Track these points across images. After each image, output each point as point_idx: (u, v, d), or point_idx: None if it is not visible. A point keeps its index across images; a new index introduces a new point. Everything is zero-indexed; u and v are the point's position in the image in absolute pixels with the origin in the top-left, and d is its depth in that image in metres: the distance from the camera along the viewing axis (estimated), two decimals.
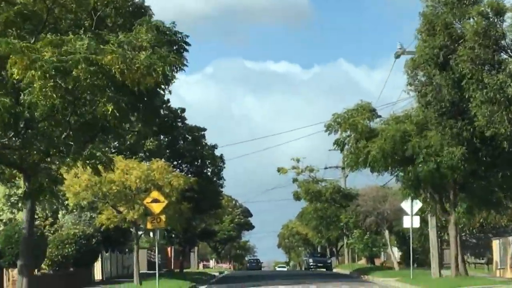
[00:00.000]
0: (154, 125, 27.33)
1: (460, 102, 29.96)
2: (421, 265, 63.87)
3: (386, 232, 55.43)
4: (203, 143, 54.11)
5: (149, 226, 38.40)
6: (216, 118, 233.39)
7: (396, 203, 54.38)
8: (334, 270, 78.66)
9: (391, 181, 60.60)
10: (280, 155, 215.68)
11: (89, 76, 17.74)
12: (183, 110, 54.16)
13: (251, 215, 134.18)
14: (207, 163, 54.21)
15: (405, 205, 42.13)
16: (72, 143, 19.23)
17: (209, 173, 55.00)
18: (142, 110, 24.74)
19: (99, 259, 48.25)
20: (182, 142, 53.61)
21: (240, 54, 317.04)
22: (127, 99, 18.79)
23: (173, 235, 58.50)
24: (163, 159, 42.40)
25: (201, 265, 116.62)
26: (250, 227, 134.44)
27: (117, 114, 18.11)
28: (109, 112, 17.96)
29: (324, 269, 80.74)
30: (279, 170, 68.48)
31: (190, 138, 53.84)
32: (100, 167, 21.88)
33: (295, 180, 69.03)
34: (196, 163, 53.94)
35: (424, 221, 46.79)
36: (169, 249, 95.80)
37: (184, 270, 68.26)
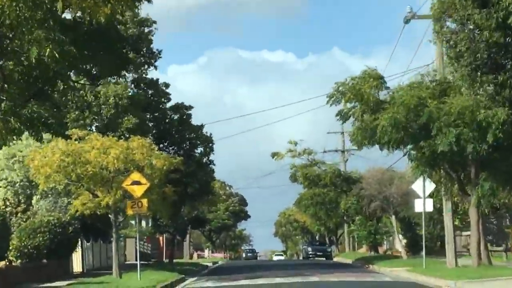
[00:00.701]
0: (114, 67, 22.80)
1: (502, 51, 24.95)
2: (429, 254, 59.65)
3: (393, 218, 51.07)
4: (190, 123, 49.64)
5: (129, 211, 34.05)
6: (211, 107, 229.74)
7: (402, 187, 50.10)
8: (335, 259, 74.43)
9: (397, 164, 56.47)
10: (275, 140, 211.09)
11: (15, 6, 13.13)
12: (166, 85, 49.63)
13: (246, 204, 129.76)
14: (196, 143, 49.77)
15: (417, 186, 37.64)
16: (5, 98, 14.74)
17: (198, 155, 50.58)
18: (99, 52, 19.82)
19: (79, 249, 43.78)
20: (167, 121, 49.17)
21: (234, 44, 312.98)
22: (73, 38, 14.20)
23: (160, 223, 54.11)
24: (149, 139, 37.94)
25: (195, 255, 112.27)
26: (246, 216, 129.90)
27: (61, 59, 13.61)
28: (49, 56, 13.41)
29: (324, 258, 76.49)
30: (274, 155, 64.18)
31: (176, 117, 49.42)
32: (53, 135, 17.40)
33: (292, 166, 64.71)
34: (184, 145, 49.52)
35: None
36: (161, 238, 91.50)
37: (176, 260, 63.97)
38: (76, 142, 34.31)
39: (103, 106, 42.76)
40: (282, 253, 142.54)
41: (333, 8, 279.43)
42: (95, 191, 34.59)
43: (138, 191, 33.44)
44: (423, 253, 39.80)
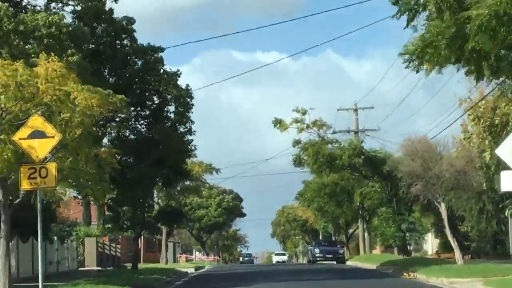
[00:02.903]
0: None
1: None
2: (477, 256, 45.51)
3: (442, 206, 36.54)
4: (160, 70, 35.18)
5: (24, 184, 19.58)
6: (205, 108, 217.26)
7: (457, 164, 35.70)
8: (348, 263, 59.92)
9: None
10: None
11: None
12: (130, 20, 34.92)
13: (241, 200, 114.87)
14: (166, 98, 35.54)
15: (507, 149, 22.95)
16: None
17: (170, 114, 36.34)
18: None
19: None
20: (128, 69, 34.65)
21: (228, 45, 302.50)
22: None
23: (115, 214, 39.75)
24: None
25: (183, 258, 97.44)
26: (240, 213, 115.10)
27: None
28: None
29: (334, 262, 61.94)
30: (276, 123, 49.58)
31: (140, 62, 34.94)
32: None
33: (296, 143, 50.11)
34: (150, 101, 35.27)
35: None
36: (139, 238, 76.82)
37: (146, 266, 49.56)
38: None
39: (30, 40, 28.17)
40: (284, 253, 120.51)
41: (328, 8, 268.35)
42: None
43: (40, 149, 19.08)
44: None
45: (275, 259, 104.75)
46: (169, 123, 36.78)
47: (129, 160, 36.89)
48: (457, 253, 36.06)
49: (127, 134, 36.13)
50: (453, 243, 36.34)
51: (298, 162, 50.46)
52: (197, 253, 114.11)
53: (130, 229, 40.10)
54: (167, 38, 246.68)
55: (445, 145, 38.59)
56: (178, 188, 53.98)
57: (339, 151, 48.38)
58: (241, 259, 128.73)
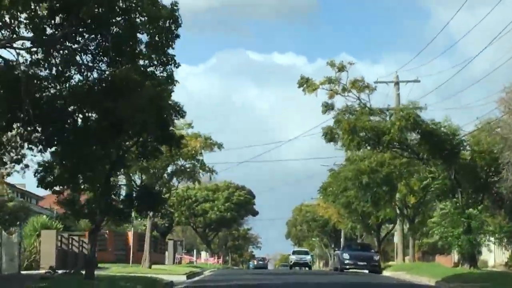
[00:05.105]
0: None
1: None
2: None
3: None
4: None
5: None
6: (220, 109, 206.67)
7: None
8: (386, 274, 46.88)
9: None
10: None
11: None
12: None
13: (253, 197, 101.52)
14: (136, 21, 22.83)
15: None
16: None
17: (143, 49, 23.59)
18: None
19: None
20: None
21: (243, 46, 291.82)
22: None
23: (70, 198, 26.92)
24: None
25: (186, 260, 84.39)
26: (252, 210, 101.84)
27: None
28: None
29: (367, 271, 48.96)
30: (302, 83, 36.48)
31: None
32: None
33: (326, 108, 37.12)
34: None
35: None
36: (129, 233, 63.82)
37: (120, 271, 36.91)
38: None
39: None
40: (306, 251, 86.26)
41: (343, 13, 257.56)
42: None
43: None
44: None
45: (294, 259, 76.70)
46: (143, 61, 24.09)
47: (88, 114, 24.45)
48: None
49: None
50: None
51: (329, 136, 37.34)
52: (205, 253, 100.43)
53: (87, 217, 27.13)
54: (184, 37, 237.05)
55: None
56: (170, 171, 41.13)
57: (385, 123, 35.31)
58: (255, 262, 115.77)
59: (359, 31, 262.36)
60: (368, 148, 38.19)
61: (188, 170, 41.45)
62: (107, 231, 61.44)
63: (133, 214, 31.06)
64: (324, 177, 62.74)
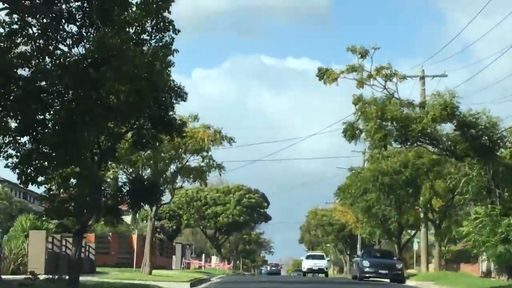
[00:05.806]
0: None
1: None
2: None
3: None
4: None
5: None
6: (234, 112, 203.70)
7: None
8: (410, 283, 42.82)
9: None
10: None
11: None
12: None
13: (268, 202, 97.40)
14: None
15: None
16: None
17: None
18: None
19: None
20: None
21: (257, 50, 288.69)
22: None
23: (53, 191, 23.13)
24: None
25: (196, 265, 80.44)
26: (265, 215, 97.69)
27: None
28: None
29: (388, 280, 44.93)
30: (321, 74, 32.55)
31: None
32: None
33: (358, 100, 33.02)
34: None
35: None
36: (133, 236, 60.03)
37: (118, 277, 33.08)
38: None
39: None
40: (322, 255, 76.86)
41: (358, 17, 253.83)
42: None
43: None
44: None
45: (308, 264, 70.37)
46: (134, 28, 20.30)
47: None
48: None
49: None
50: None
51: (350, 133, 33.29)
52: (215, 258, 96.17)
53: (70, 215, 23.28)
54: (198, 40, 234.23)
55: None
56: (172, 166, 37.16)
57: (416, 114, 31.28)
58: (268, 268, 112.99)
59: (374, 37, 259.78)
60: (394, 144, 34.14)
61: (194, 168, 37.46)
62: (110, 234, 57.78)
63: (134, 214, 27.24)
64: (339, 180, 58.94)
